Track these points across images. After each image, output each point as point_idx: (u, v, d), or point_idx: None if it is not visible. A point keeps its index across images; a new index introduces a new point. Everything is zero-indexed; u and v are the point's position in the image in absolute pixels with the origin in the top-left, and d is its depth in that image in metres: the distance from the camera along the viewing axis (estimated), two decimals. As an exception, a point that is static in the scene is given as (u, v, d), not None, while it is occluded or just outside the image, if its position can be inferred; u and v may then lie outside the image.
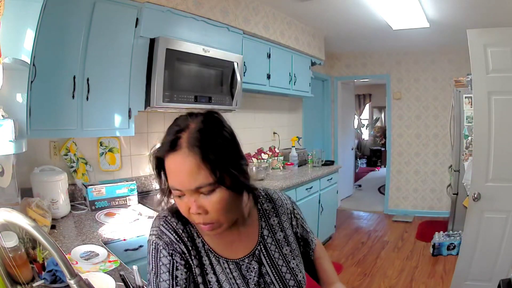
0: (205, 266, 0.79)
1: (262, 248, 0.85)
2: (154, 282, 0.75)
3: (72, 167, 2.07)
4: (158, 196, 0.79)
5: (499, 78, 2.15)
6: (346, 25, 3.77)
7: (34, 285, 1.08)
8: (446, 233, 3.61)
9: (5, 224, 0.96)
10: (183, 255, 0.76)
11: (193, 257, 0.77)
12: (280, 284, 0.83)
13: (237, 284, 0.79)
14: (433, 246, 3.52)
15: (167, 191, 0.76)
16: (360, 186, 7.07)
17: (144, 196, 2.34)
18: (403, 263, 3.40)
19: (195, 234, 0.80)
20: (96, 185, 2.01)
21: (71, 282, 0.67)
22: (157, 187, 2.66)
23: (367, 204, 5.73)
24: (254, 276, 0.81)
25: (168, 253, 0.75)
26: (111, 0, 1.86)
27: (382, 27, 3.65)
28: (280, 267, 0.85)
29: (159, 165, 0.73)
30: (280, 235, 0.88)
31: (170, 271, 0.74)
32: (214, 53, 2.38)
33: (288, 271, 0.85)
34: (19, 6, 1.25)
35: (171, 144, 0.69)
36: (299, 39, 3.62)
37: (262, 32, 3.02)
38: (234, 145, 0.74)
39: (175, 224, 0.78)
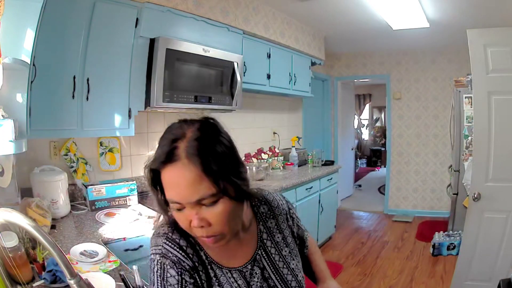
0: (212, 279, 0.76)
1: (263, 252, 0.84)
2: None
3: (72, 167, 2.07)
4: (156, 210, 0.76)
5: (499, 78, 2.15)
6: (346, 25, 3.77)
7: (34, 285, 1.08)
8: (446, 233, 3.61)
9: (5, 224, 0.97)
10: (192, 273, 0.73)
11: (200, 272, 0.74)
12: (282, 286, 0.83)
13: None
14: (433, 246, 3.52)
15: (164, 205, 0.71)
16: (360, 186, 7.07)
17: (144, 196, 2.34)
18: (403, 263, 3.40)
19: (197, 247, 0.76)
20: (96, 185, 2.01)
21: (71, 282, 0.67)
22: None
23: (367, 204, 5.72)
24: (257, 281, 0.80)
25: (177, 272, 0.71)
26: (111, 0, 1.86)
27: (382, 27, 3.65)
28: (281, 269, 0.84)
29: (155, 178, 0.68)
30: (278, 237, 0.87)
31: None
32: (214, 53, 2.38)
33: (289, 272, 0.85)
34: (19, 6, 1.25)
35: (167, 155, 0.64)
36: (299, 39, 3.62)
37: (262, 32, 3.02)
38: (233, 152, 0.71)
39: (178, 240, 0.74)
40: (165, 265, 0.71)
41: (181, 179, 0.64)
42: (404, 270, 3.25)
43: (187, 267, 0.72)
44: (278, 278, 0.83)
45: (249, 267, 0.81)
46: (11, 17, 1.17)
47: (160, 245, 0.73)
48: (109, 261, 1.33)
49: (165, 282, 0.70)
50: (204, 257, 0.76)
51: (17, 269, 1.01)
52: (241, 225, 0.80)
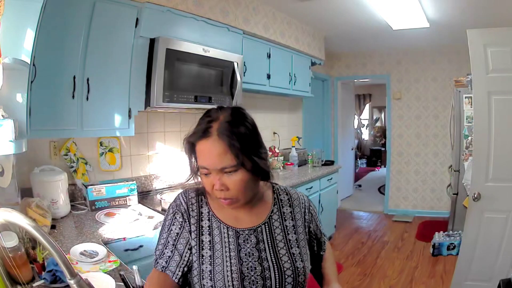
0: (203, 228, 0.90)
1: (266, 228, 0.92)
2: (159, 236, 0.91)
3: (72, 167, 2.07)
4: (188, 176, 0.93)
5: (499, 78, 2.15)
6: (346, 25, 3.77)
7: (34, 285, 1.08)
8: (446, 233, 3.61)
9: (5, 224, 0.97)
10: (183, 214, 0.91)
11: (191, 217, 0.90)
12: (274, 264, 0.88)
13: (229, 248, 0.88)
14: (433, 246, 3.52)
15: (195, 170, 0.89)
16: (360, 186, 7.07)
17: (144, 196, 2.34)
18: (403, 263, 3.40)
19: (204, 203, 0.93)
20: (96, 185, 2.01)
21: (71, 282, 0.67)
22: (158, 186, 2.69)
23: (367, 204, 5.73)
24: (248, 247, 0.89)
25: (173, 212, 0.92)
26: (111, 0, 1.86)
27: (382, 27, 3.65)
28: (279, 249, 0.90)
29: (191, 149, 0.87)
30: (289, 223, 0.95)
31: (168, 225, 0.90)
32: (214, 53, 2.38)
33: (287, 255, 0.90)
34: (19, 6, 1.25)
35: (203, 131, 0.83)
36: (299, 39, 3.62)
37: (262, 32, 3.02)
38: (255, 136, 0.88)
39: (190, 193, 0.94)
40: (170, 208, 0.94)
41: (211, 150, 0.82)
42: (404, 270, 3.25)
43: (182, 209, 0.92)
44: (273, 255, 0.89)
45: (247, 232, 0.91)
46: (11, 17, 1.17)
47: (177, 196, 0.95)
48: (109, 261, 1.33)
49: (165, 219, 0.93)
50: (206, 211, 0.92)
51: (17, 269, 1.01)
52: (253, 196, 0.93)
